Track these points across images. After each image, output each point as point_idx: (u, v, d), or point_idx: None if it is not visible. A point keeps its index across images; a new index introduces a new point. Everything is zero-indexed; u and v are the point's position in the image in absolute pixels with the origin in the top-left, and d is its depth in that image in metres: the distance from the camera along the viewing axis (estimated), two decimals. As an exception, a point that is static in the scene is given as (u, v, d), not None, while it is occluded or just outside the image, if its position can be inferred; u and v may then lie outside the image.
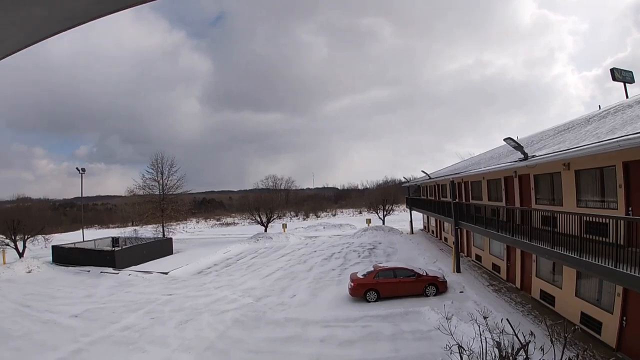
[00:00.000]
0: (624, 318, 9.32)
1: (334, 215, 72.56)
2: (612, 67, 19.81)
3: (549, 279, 13.42)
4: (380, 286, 16.63)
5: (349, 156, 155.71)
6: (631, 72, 19.60)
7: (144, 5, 2.08)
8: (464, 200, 23.20)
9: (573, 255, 9.25)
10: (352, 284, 16.94)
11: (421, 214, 38.32)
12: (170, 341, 13.44)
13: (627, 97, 18.51)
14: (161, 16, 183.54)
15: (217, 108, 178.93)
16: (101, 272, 25.09)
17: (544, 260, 13.27)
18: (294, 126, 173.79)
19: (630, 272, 7.02)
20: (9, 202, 42.64)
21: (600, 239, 8.48)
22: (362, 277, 17.17)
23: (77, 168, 40.04)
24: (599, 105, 18.23)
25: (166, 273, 24.65)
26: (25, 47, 2.44)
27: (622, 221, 7.73)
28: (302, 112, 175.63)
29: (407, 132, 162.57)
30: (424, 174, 34.03)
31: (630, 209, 8.86)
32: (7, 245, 27.97)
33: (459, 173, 23.10)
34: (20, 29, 2.18)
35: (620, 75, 19.40)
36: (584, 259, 8.79)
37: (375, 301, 16.38)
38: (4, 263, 26.02)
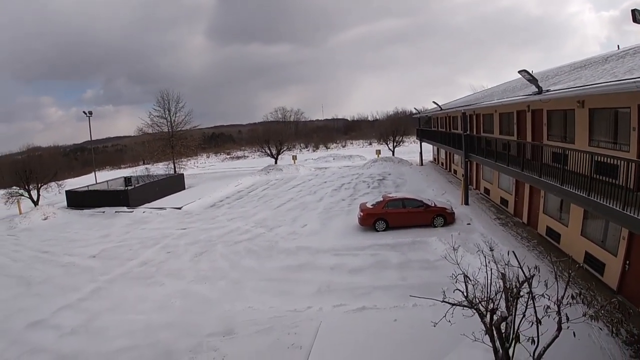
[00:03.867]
0: (627, 262, 9.32)
1: (344, 147, 72.15)
2: (633, 8, 17.93)
3: (556, 216, 13.34)
4: (389, 216, 16.82)
5: (359, 88, 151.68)
6: (653, 14, 17.67)
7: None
8: (475, 133, 22.69)
9: (582, 194, 9.13)
10: (362, 214, 17.15)
11: (431, 146, 37.76)
12: (186, 273, 14.02)
13: (646, 39, 16.86)
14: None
15: (224, 42, 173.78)
16: (116, 211, 25.58)
17: (551, 197, 13.16)
18: (303, 57, 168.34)
19: (638, 216, 6.86)
20: (20, 154, 42.82)
21: (610, 180, 8.30)
22: (371, 207, 17.32)
23: (84, 111, 39.91)
24: (618, 45, 16.79)
25: (179, 208, 25.16)
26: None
27: (633, 164, 7.50)
28: (312, 43, 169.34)
29: (418, 64, 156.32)
30: (435, 106, 33.07)
31: (642, 152, 8.41)
32: (22, 195, 28.17)
33: (470, 105, 22.28)
34: None
35: (642, 17, 17.51)
36: (593, 198, 8.66)
37: (383, 230, 16.71)
38: (20, 213, 26.35)
